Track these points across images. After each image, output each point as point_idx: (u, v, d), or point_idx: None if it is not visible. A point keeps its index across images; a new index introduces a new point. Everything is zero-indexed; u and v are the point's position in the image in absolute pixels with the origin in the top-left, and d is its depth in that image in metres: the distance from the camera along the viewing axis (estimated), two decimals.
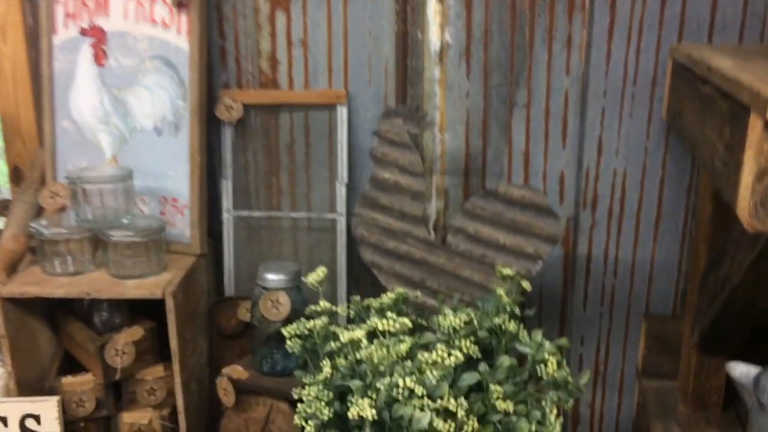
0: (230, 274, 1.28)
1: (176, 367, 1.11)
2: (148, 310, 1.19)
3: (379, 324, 0.72)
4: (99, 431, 1.17)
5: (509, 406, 0.73)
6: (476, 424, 0.69)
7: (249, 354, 1.15)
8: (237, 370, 1.08)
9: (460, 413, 0.69)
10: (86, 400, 1.13)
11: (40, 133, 1.34)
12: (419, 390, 0.67)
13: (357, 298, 0.90)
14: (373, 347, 0.72)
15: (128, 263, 1.11)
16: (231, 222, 1.27)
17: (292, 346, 0.79)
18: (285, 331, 0.81)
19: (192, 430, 1.16)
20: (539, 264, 1.02)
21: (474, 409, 0.71)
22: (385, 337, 0.74)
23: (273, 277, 1.06)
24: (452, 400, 0.69)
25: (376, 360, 0.70)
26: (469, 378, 0.72)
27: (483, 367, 0.77)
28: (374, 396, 0.70)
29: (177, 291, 1.10)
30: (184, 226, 1.23)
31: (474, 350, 0.76)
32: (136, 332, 1.13)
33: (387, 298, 0.85)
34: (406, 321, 0.72)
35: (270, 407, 1.08)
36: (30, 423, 1.09)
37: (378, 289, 1.31)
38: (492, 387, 0.73)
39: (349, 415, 0.68)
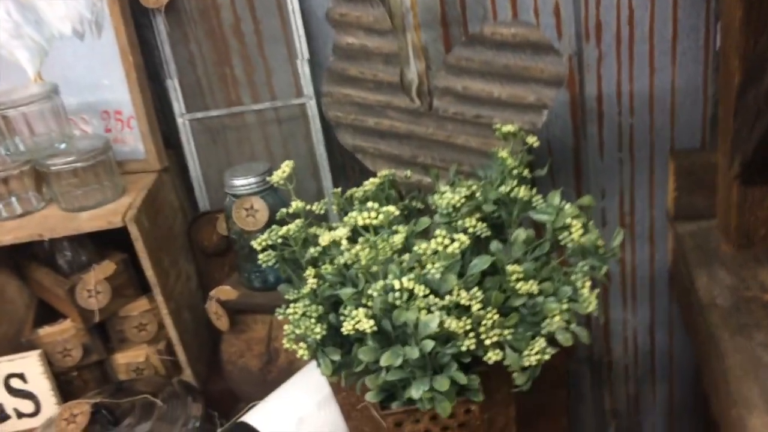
0: (201, 186, 1.14)
1: (159, 297, 1.00)
2: (118, 241, 1.06)
3: (359, 218, 0.58)
4: (95, 377, 1.08)
5: (533, 286, 0.60)
6: (496, 316, 0.57)
7: (234, 274, 1.03)
8: (225, 291, 0.97)
9: (476, 307, 0.56)
10: (71, 348, 1.03)
11: None
12: (420, 290, 0.54)
13: (337, 190, 0.76)
14: (357, 247, 0.58)
15: (78, 194, 0.97)
16: (188, 127, 1.11)
17: (265, 259, 0.66)
18: (255, 244, 0.68)
19: (193, 359, 1.06)
20: (544, 113, 0.86)
21: (491, 299, 0.58)
22: (369, 232, 0.60)
23: (242, 182, 0.92)
24: (463, 293, 0.57)
25: (364, 261, 0.57)
26: (480, 263, 0.59)
27: (495, 246, 0.64)
28: (370, 304, 0.58)
29: (140, 215, 0.96)
30: (135, 140, 1.07)
31: (482, 228, 0.63)
32: (107, 268, 1.01)
33: (371, 184, 0.71)
34: (392, 209, 0.58)
35: (270, 324, 0.98)
36: (15, 383, 1.00)
37: (368, 177, 1.17)
38: (509, 268, 0.61)
39: (343, 330, 0.56)
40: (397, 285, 0.54)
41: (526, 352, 0.59)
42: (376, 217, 0.57)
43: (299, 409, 0.81)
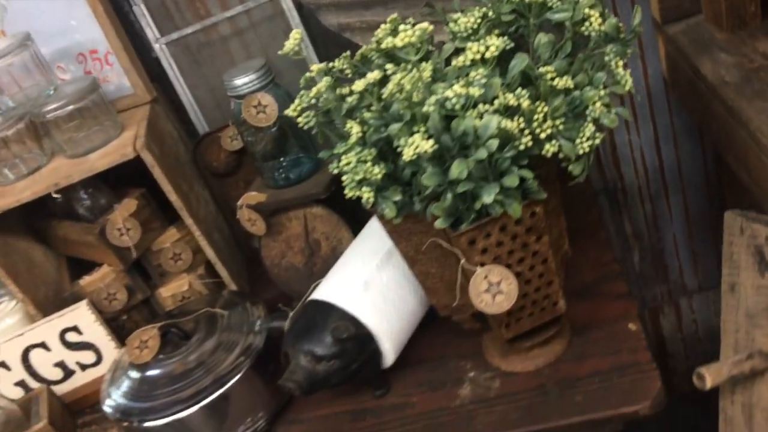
0: (195, 110, 1.13)
1: (188, 220, 1.00)
2: (130, 180, 1.06)
3: (397, 40, 0.58)
4: (144, 317, 1.09)
5: (568, 81, 0.62)
6: (546, 109, 0.59)
7: (255, 181, 1.04)
8: (253, 196, 0.97)
9: (525, 103, 0.58)
10: (115, 292, 1.04)
11: None
12: (474, 91, 0.55)
13: (347, 53, 0.76)
14: (397, 76, 0.59)
15: (81, 137, 0.96)
16: (167, 52, 1.09)
17: (304, 121, 0.67)
18: (290, 111, 0.68)
19: (234, 275, 1.08)
20: None
21: (536, 96, 0.60)
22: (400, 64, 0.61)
23: (244, 81, 0.91)
24: (509, 95, 0.58)
25: (409, 86, 0.58)
26: (518, 63, 0.60)
27: (520, 55, 0.65)
28: (422, 128, 0.59)
29: (149, 143, 0.95)
30: (118, 76, 1.05)
31: (505, 42, 0.64)
32: (129, 204, 1.01)
33: (380, 30, 0.70)
34: (425, 26, 0.59)
35: (304, 217, 0.99)
36: (71, 336, 1.01)
37: None
38: (542, 69, 0.62)
39: (405, 156, 0.58)
40: (451, 93, 0.55)
41: (578, 140, 0.61)
42: (413, 35, 0.58)
43: (361, 276, 0.83)
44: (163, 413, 0.85)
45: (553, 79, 0.62)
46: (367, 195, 0.63)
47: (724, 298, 0.77)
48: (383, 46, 0.60)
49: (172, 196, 0.98)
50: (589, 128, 0.61)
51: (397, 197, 0.65)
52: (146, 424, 0.85)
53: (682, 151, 1.25)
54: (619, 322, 0.83)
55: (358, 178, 0.63)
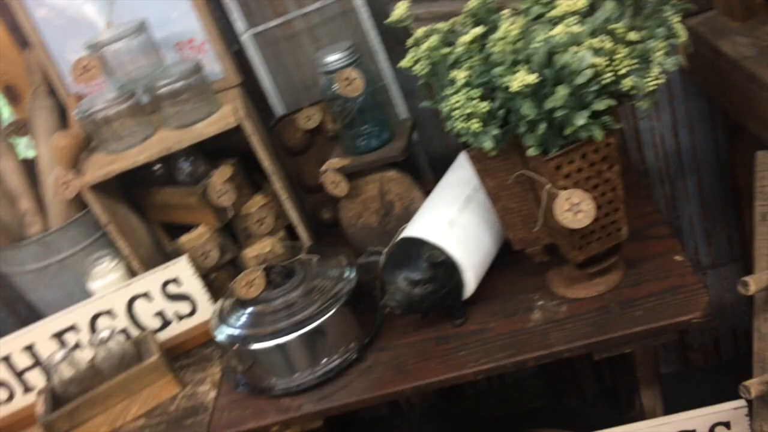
0: (275, 95, 1.27)
1: (278, 184, 1.14)
2: (220, 156, 1.19)
3: None
4: (230, 275, 1.21)
5: (635, 35, 0.77)
6: (624, 50, 0.74)
7: (334, 151, 1.18)
8: (336, 161, 1.11)
9: (608, 45, 0.73)
10: (210, 250, 1.16)
11: (16, 39, 1.25)
12: (576, 29, 0.70)
13: (455, 18, 0.90)
14: (506, 23, 0.74)
15: (186, 110, 1.10)
16: (253, 42, 1.23)
17: (420, 69, 0.82)
18: (405, 63, 0.83)
19: (314, 239, 1.21)
20: None
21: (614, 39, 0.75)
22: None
23: (335, 57, 1.06)
24: (594, 41, 0.73)
25: (516, 31, 0.73)
26: (602, 13, 0.76)
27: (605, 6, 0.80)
28: (524, 67, 0.74)
29: (247, 115, 1.09)
30: (210, 63, 1.20)
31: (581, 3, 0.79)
32: (225, 170, 1.14)
33: None
34: None
35: (380, 181, 1.13)
36: (171, 288, 1.13)
37: None
38: (612, 26, 0.77)
39: (512, 87, 0.72)
40: (556, 31, 0.70)
41: (647, 79, 0.76)
42: None
43: (446, 217, 0.97)
44: (266, 339, 0.97)
45: (624, 32, 0.77)
46: (475, 126, 0.78)
47: (757, 228, 0.92)
48: None
49: (265, 162, 1.12)
50: (656, 69, 0.76)
51: (495, 131, 0.80)
52: (253, 346, 0.97)
53: (697, 135, 1.41)
54: (666, 256, 0.97)
55: (468, 111, 0.77)
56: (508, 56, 0.76)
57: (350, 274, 1.02)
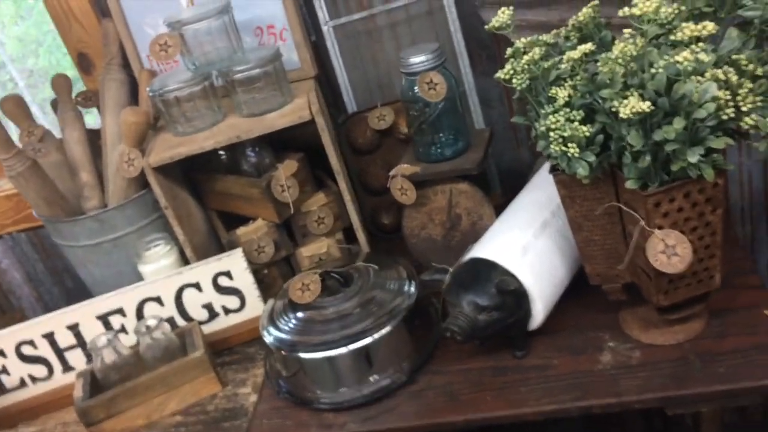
0: (348, 91, 1.23)
1: (343, 184, 1.09)
2: (284, 148, 1.15)
3: (635, 10, 0.67)
4: (282, 273, 1.18)
5: (761, 69, 0.70)
6: (750, 85, 0.67)
7: (405, 155, 1.12)
8: (407, 168, 1.06)
9: (733, 78, 0.66)
10: (265, 245, 1.12)
11: (95, 7, 1.23)
12: (705, 57, 0.63)
13: (559, 30, 0.84)
14: (620, 45, 0.68)
15: (260, 98, 1.06)
16: (332, 34, 1.19)
17: (519, 82, 0.76)
18: (502, 75, 0.77)
19: (371, 244, 1.16)
20: None
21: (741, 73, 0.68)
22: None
23: (420, 59, 1.00)
24: (718, 71, 0.66)
25: (636, 51, 0.66)
26: (728, 43, 0.68)
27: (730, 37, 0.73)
28: (635, 92, 0.68)
29: (321, 109, 1.05)
30: (289, 51, 1.16)
31: (707, 27, 0.72)
32: (291, 165, 1.10)
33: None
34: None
35: (449, 192, 1.07)
36: (223, 281, 1.09)
37: (496, 63, 1.25)
38: (735, 57, 0.70)
39: (622, 112, 0.66)
40: (681, 58, 0.64)
41: None
42: (651, 5, 0.67)
43: (520, 241, 0.91)
44: (315, 349, 0.92)
45: (747, 65, 0.70)
46: (572, 151, 0.71)
47: None
48: (620, 14, 0.69)
49: (333, 160, 1.07)
50: None
51: (592, 158, 0.73)
52: (300, 354, 0.92)
53: None
54: (754, 309, 0.89)
55: (566, 134, 0.71)
56: (617, 78, 0.70)
57: (410, 288, 0.97)
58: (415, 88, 1.01)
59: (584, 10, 0.79)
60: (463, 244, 1.08)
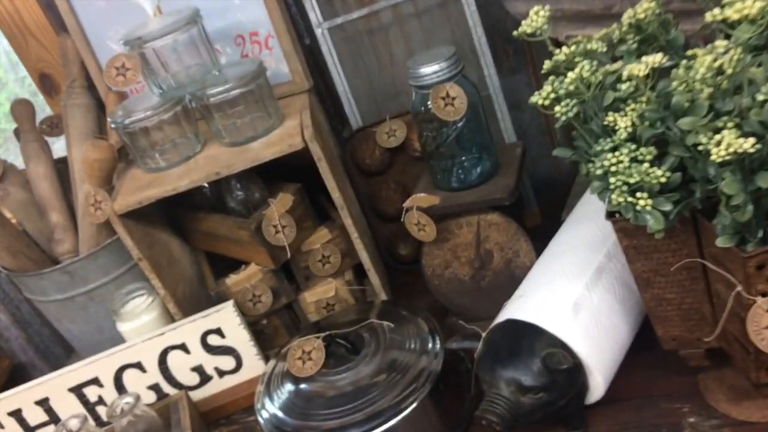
0: (350, 102, 1.04)
1: (347, 220, 0.91)
2: (276, 177, 0.98)
3: (731, 12, 0.47)
4: (284, 323, 1.01)
5: None
6: None
7: (420, 181, 0.94)
8: (423, 198, 0.87)
9: None
10: (261, 294, 0.95)
11: (53, 23, 1.06)
12: None
13: (609, 28, 0.64)
14: (707, 57, 0.48)
15: (244, 123, 0.88)
16: (327, 37, 1.00)
17: (563, 110, 0.56)
18: (539, 99, 0.58)
19: (384, 285, 0.98)
20: None
21: None
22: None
23: (433, 69, 0.81)
24: None
25: (732, 69, 0.47)
26: None
27: None
28: (731, 122, 0.48)
29: (315, 134, 0.87)
30: (276, 61, 0.98)
31: None
32: (285, 200, 0.92)
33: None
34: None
35: (477, 224, 0.88)
36: (213, 339, 0.93)
37: (523, 59, 1.06)
38: None
39: (713, 156, 0.47)
40: None
41: None
42: (753, 6, 0.47)
43: (570, 296, 0.72)
44: None
45: None
46: (643, 203, 0.52)
47: None
48: (716, 17, 0.49)
49: (335, 193, 0.89)
50: None
51: (668, 207, 0.54)
52: None
53: None
54: None
55: (632, 180, 0.52)
56: (701, 103, 0.50)
57: (434, 346, 0.79)
58: (428, 103, 0.82)
59: (644, 4, 0.59)
60: (496, 285, 0.90)
